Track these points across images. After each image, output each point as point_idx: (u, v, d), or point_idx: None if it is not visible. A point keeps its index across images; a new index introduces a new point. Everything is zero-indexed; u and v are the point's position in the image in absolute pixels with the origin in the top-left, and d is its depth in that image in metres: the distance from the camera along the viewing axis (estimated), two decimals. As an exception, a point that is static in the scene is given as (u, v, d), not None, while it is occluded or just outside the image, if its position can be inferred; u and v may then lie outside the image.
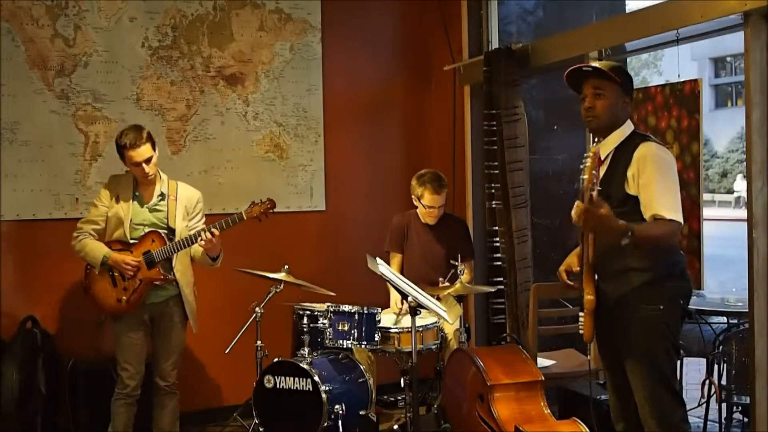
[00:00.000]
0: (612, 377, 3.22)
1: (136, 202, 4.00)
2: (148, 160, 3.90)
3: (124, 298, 3.92)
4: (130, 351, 3.97)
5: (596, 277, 3.00)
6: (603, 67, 3.08)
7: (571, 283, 3.16)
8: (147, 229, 3.96)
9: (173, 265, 4.00)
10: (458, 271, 4.10)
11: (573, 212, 2.78)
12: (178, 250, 3.96)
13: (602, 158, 3.02)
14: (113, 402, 4.00)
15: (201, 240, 3.88)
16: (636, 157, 2.95)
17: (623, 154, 3.00)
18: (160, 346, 4.05)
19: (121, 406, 3.97)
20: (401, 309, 4.46)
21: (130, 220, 3.96)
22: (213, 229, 3.89)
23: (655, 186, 2.89)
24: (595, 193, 2.69)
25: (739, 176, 22.13)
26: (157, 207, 4.02)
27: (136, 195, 4.02)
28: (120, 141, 3.90)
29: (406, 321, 4.12)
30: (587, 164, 2.69)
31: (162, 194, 4.03)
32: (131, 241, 3.95)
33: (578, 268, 3.11)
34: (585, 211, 2.70)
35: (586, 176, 2.69)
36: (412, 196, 4.64)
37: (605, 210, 2.71)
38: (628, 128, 3.08)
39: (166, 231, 3.99)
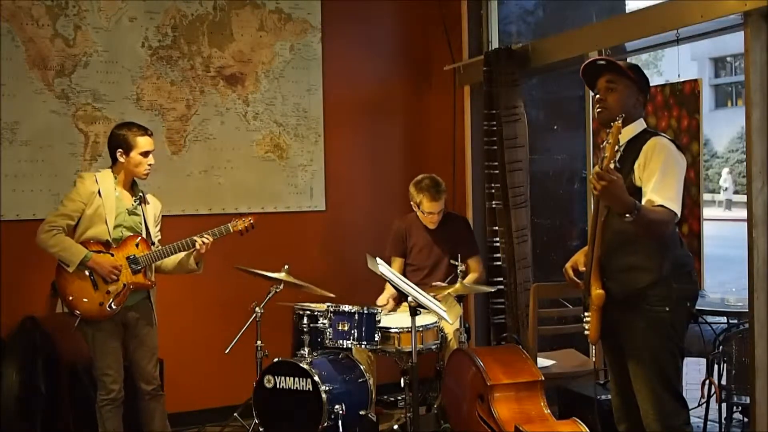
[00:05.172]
0: (616, 378, 3.20)
1: (118, 202, 3.86)
2: (152, 152, 3.87)
3: (108, 302, 3.78)
4: (113, 356, 3.85)
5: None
6: (617, 61, 3.09)
7: (577, 280, 3.15)
8: (126, 232, 3.85)
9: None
10: (458, 271, 4.11)
11: (591, 178, 2.79)
12: (167, 255, 3.91)
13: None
14: (99, 409, 3.87)
15: (197, 246, 3.87)
16: (645, 148, 2.94)
17: (633, 147, 2.99)
18: (139, 349, 3.94)
19: (109, 411, 3.86)
20: (387, 303, 4.51)
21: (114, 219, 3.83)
22: (206, 236, 3.88)
23: (657, 175, 2.87)
24: (612, 165, 2.70)
25: (725, 170, 22.11)
26: (136, 211, 3.91)
27: (117, 195, 3.86)
28: (128, 129, 3.81)
29: (406, 321, 4.12)
30: (609, 140, 2.73)
31: (139, 198, 3.93)
32: (110, 242, 3.80)
33: (584, 268, 3.11)
34: (601, 176, 2.69)
35: (607, 153, 2.71)
36: (411, 203, 4.64)
37: (619, 178, 2.73)
38: (639, 125, 3.07)
39: (145, 236, 3.92)
